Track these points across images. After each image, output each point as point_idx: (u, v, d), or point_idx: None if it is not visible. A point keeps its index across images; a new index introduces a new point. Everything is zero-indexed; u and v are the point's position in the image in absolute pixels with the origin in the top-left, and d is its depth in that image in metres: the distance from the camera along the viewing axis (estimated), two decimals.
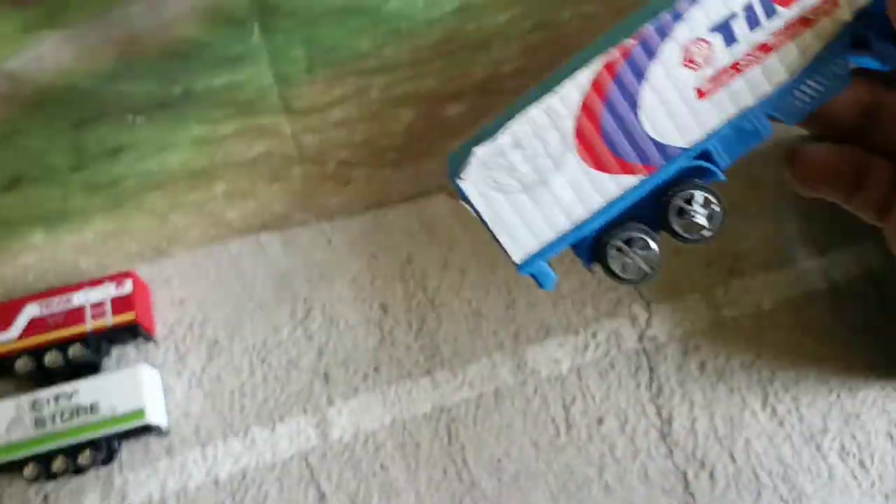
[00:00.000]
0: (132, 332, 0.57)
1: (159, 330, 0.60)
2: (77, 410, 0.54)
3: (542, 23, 0.55)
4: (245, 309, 0.62)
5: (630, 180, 0.28)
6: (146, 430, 0.54)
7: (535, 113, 0.27)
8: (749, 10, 0.27)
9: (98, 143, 0.53)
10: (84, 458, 0.54)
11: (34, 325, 0.56)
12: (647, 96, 0.27)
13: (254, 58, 0.49)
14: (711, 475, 0.55)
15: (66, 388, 0.54)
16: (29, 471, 0.53)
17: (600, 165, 0.28)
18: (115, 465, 0.57)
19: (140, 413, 0.53)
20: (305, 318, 0.61)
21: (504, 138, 0.27)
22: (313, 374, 0.59)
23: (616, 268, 0.29)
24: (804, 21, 0.27)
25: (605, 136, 0.27)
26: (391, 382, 0.59)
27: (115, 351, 0.60)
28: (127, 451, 0.57)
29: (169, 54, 0.47)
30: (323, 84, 0.55)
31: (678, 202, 0.27)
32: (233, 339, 0.61)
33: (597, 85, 0.27)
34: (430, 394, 0.59)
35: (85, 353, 0.56)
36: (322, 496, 0.56)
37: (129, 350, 0.60)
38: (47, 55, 0.44)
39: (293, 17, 0.47)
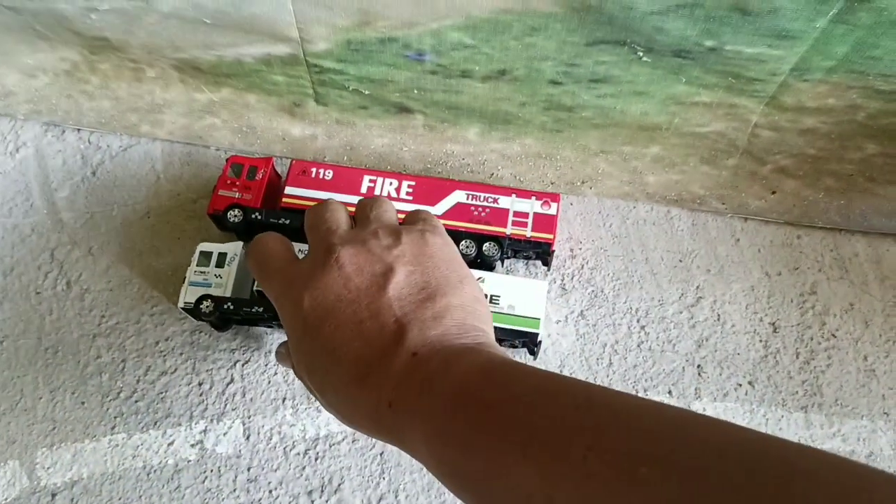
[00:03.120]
0: (539, 251, 0.57)
1: (553, 261, 0.60)
2: None
3: None
4: (637, 272, 0.61)
5: None
6: (527, 338, 0.54)
7: None
8: None
9: (592, 66, 0.53)
10: None
11: (458, 210, 0.58)
12: None
13: (798, 40, 0.47)
14: None
15: (476, 273, 0.55)
16: None
17: None
18: None
19: (536, 322, 0.53)
20: (694, 305, 0.59)
21: None
22: (687, 362, 0.58)
23: None
24: None
25: None
26: (763, 403, 0.57)
27: (508, 262, 0.61)
28: None
29: (737, 7, 0.46)
30: (826, 89, 0.53)
31: None
32: (618, 295, 0.60)
33: None
34: (799, 430, 0.56)
35: (495, 253, 0.57)
36: None
37: (519, 266, 0.61)
38: None
39: (877, 13, 0.45)
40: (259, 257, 0.44)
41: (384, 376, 0.35)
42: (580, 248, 0.62)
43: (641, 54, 0.53)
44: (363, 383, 0.36)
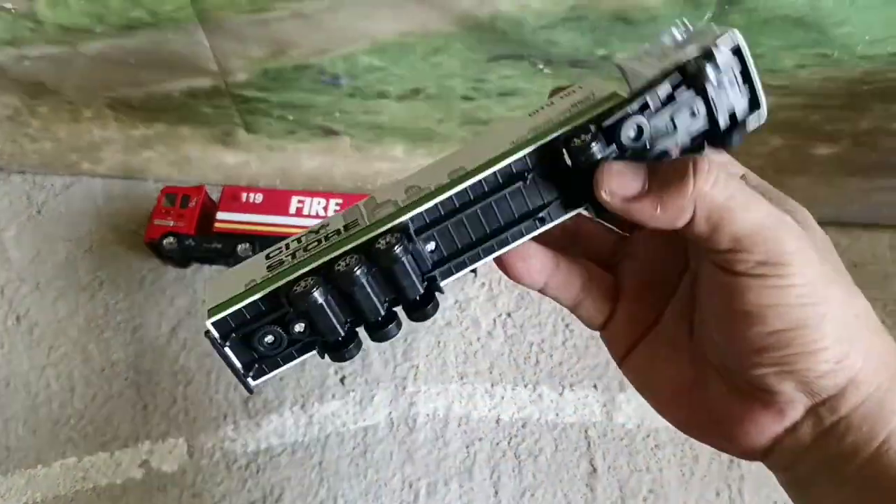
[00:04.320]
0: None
1: (480, 267, 0.63)
2: None
3: None
4: None
5: None
6: None
7: None
8: None
9: (497, 80, 0.56)
10: None
11: None
12: None
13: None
14: None
15: None
16: None
17: None
18: (412, 371, 0.60)
19: None
20: None
21: None
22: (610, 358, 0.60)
23: None
24: None
25: None
26: None
27: None
28: (425, 364, 0.60)
29: (619, 17, 0.49)
30: None
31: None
32: (543, 297, 0.62)
33: None
34: None
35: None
36: (593, 471, 0.57)
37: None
38: None
39: (748, 14, 0.48)
40: None
41: None
42: None
43: (541, 66, 0.56)
44: None
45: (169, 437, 0.59)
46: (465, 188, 0.27)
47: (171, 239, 0.61)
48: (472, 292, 0.63)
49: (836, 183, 0.64)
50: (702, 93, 0.26)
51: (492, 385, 0.60)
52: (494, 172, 0.27)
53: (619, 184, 0.27)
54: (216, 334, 0.27)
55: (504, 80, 0.58)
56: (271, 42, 0.55)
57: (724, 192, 0.25)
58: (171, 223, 0.61)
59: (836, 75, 0.54)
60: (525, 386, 0.60)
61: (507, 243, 0.28)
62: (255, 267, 0.28)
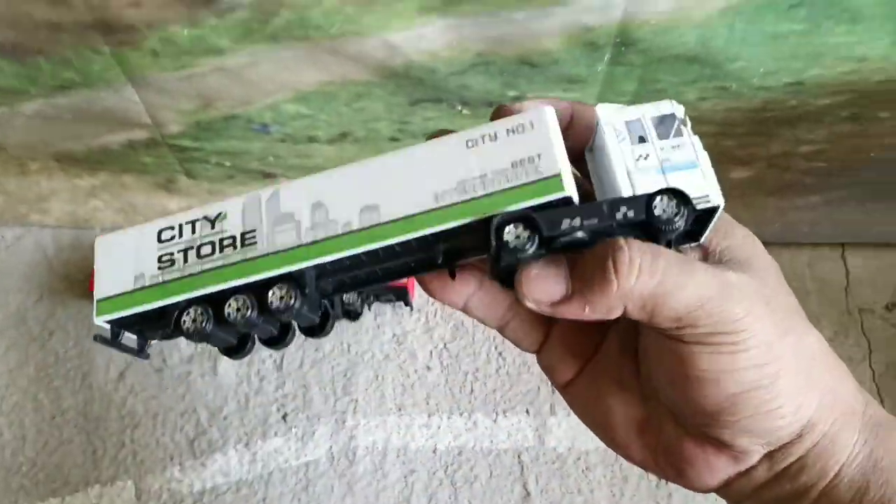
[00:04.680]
0: (398, 294, 0.62)
1: (416, 300, 0.65)
2: None
3: (859, 115, 0.56)
4: None
5: None
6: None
7: None
8: None
9: (421, 122, 0.59)
10: None
11: None
12: None
13: (589, 82, 0.53)
14: None
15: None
16: None
17: None
18: (351, 405, 0.62)
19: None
20: None
21: None
22: (542, 381, 0.62)
23: None
24: None
25: None
26: None
27: (375, 306, 0.66)
28: (364, 398, 0.62)
29: (523, 61, 0.52)
30: None
31: None
32: (477, 326, 0.65)
33: None
34: None
35: (355, 302, 0.61)
36: (527, 495, 0.59)
37: (387, 308, 0.66)
38: (427, 36, 0.50)
39: (644, 54, 0.50)
40: None
41: None
42: None
43: (460, 108, 0.59)
44: None
45: (118, 481, 0.60)
46: (377, 248, 0.26)
47: None
48: (409, 325, 0.65)
49: (755, 204, 0.67)
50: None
51: (429, 415, 0.62)
52: (412, 239, 0.26)
53: (541, 291, 0.26)
54: (108, 331, 0.28)
55: (427, 122, 0.60)
56: (199, 96, 0.57)
57: (650, 282, 0.24)
58: None
59: (738, 105, 0.57)
60: (461, 414, 0.62)
61: (400, 278, 0.28)
62: (145, 252, 0.28)
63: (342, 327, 0.64)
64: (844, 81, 0.53)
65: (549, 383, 0.61)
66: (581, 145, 0.28)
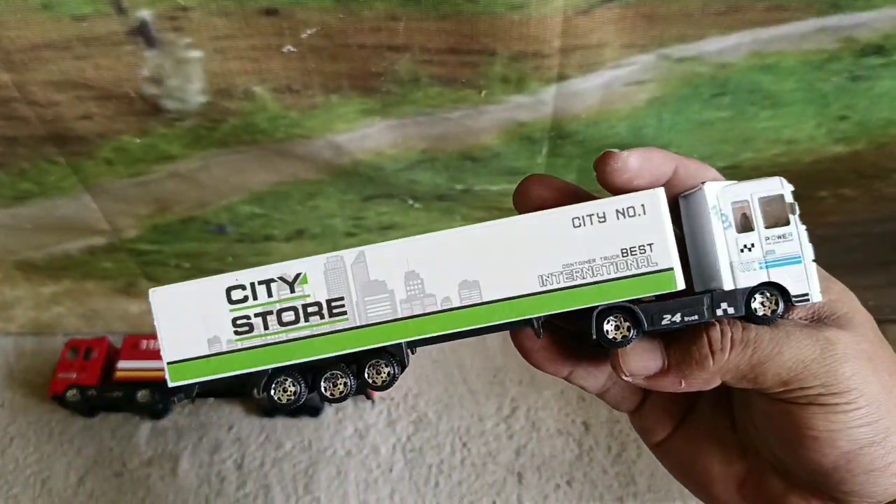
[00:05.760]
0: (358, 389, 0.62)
1: (377, 394, 0.65)
2: None
3: (798, 196, 0.56)
4: (456, 392, 0.65)
5: None
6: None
7: None
8: None
9: (376, 217, 0.60)
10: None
11: None
12: None
13: (531, 172, 0.54)
14: None
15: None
16: None
17: None
18: None
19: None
20: (510, 416, 0.64)
21: None
22: (508, 472, 0.61)
23: None
24: None
25: None
26: (582, 499, 0.60)
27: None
28: (326, 496, 0.61)
29: (466, 156, 0.53)
30: None
31: None
32: (440, 417, 0.64)
33: None
34: None
35: (312, 398, 0.61)
36: None
37: (348, 405, 0.65)
38: (371, 136, 0.52)
39: (580, 145, 0.52)
40: None
41: None
42: (403, 377, 0.66)
43: (412, 202, 0.60)
44: None
45: None
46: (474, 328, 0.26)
47: (73, 391, 0.63)
48: (371, 419, 0.65)
49: None
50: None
51: None
52: (509, 322, 0.26)
53: (638, 366, 0.27)
54: (182, 393, 0.27)
55: (381, 217, 0.62)
56: (154, 200, 0.59)
57: (744, 354, 0.25)
58: (75, 375, 0.64)
59: None
60: None
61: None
62: (216, 313, 0.27)
63: (303, 423, 0.64)
64: (777, 164, 0.55)
65: (515, 473, 0.60)
66: (676, 193, 0.29)
